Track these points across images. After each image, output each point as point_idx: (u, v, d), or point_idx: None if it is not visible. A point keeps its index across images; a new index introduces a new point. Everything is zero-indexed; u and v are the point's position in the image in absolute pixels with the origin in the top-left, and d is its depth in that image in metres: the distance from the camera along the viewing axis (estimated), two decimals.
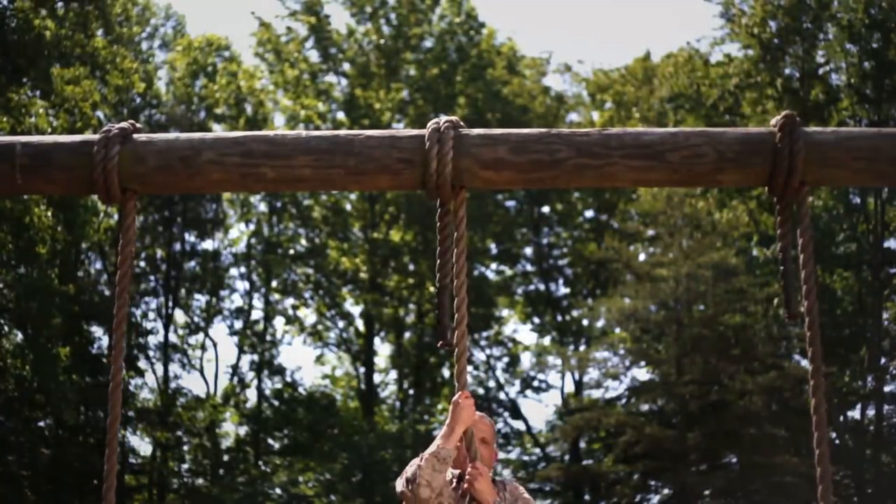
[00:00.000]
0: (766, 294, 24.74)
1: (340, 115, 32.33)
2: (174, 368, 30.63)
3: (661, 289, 25.32)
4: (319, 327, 32.97)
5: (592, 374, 28.54)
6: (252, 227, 32.78)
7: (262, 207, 32.57)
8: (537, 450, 32.51)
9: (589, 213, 33.68)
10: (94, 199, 22.09)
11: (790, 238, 4.74)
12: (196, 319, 31.59)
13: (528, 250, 33.40)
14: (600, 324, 29.39)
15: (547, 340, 33.51)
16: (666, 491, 26.62)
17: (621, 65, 34.63)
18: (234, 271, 32.51)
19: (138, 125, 4.90)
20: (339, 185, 4.84)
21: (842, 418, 25.32)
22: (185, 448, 30.02)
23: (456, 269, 4.74)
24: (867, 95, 24.85)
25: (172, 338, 30.83)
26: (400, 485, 4.80)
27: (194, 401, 30.25)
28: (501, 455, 30.66)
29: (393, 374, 33.30)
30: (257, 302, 32.66)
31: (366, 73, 32.01)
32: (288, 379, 32.00)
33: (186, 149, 4.75)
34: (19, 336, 22.61)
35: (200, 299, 31.86)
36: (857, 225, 25.57)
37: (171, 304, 30.57)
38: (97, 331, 26.74)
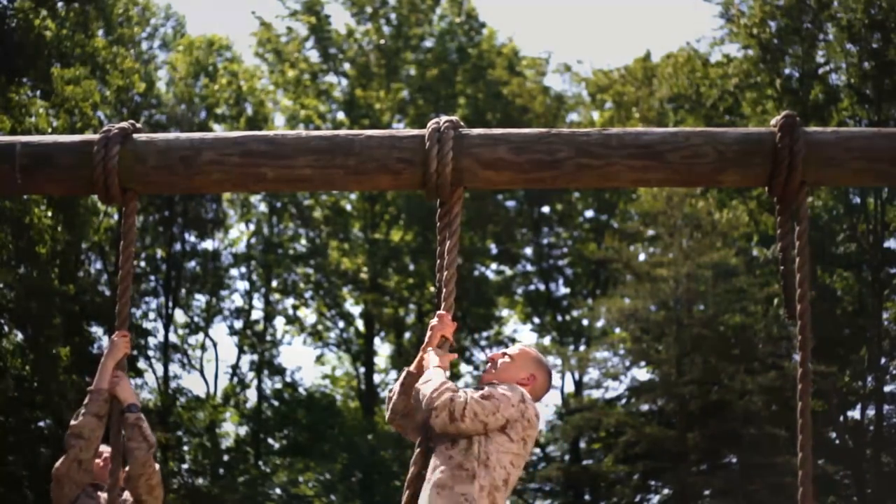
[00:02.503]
0: (766, 294, 24.71)
1: (340, 115, 32.30)
2: (174, 368, 30.62)
3: (661, 289, 25.30)
4: (319, 327, 32.94)
5: (592, 374, 28.56)
6: (252, 227, 32.76)
7: (262, 207, 32.53)
8: (537, 450, 32.44)
9: (589, 213, 33.63)
10: (95, 199, 22.06)
11: (790, 238, 4.74)
12: (196, 319, 31.55)
13: (528, 250, 33.35)
14: (600, 324, 29.35)
15: (547, 340, 33.47)
16: (666, 491, 26.61)
17: (621, 65, 34.59)
18: (234, 271, 32.49)
19: (138, 125, 4.90)
20: (339, 185, 4.84)
21: (842, 418, 25.29)
22: (185, 448, 29.98)
23: (447, 261, 4.75)
24: (867, 95, 24.80)
25: (172, 338, 30.81)
26: None
27: (194, 401, 30.23)
28: None
29: (393, 375, 33.25)
30: (257, 302, 32.66)
31: (366, 73, 31.99)
32: (288, 379, 31.97)
33: (186, 149, 4.75)
34: (19, 336, 22.57)
35: (200, 299, 31.83)
36: (857, 225, 25.52)
37: (171, 304, 30.53)
38: (97, 331, 26.70)
